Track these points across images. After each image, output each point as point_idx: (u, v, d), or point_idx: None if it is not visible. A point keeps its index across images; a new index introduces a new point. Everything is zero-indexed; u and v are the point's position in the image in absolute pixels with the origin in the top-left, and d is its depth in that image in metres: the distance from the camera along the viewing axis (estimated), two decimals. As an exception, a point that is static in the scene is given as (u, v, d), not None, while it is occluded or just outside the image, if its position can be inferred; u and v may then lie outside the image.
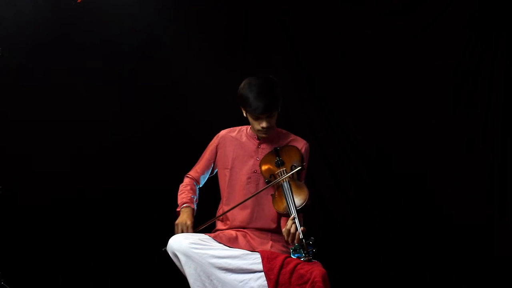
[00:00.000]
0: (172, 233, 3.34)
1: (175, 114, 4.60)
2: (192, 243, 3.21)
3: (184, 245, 3.20)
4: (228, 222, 3.50)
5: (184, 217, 3.42)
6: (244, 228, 3.46)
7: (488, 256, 4.38)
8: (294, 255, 3.19)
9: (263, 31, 4.70)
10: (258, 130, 3.43)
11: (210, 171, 3.64)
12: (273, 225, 3.45)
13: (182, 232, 3.35)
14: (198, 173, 3.63)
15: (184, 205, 3.49)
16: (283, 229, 3.23)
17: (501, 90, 4.41)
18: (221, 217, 3.52)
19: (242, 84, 3.43)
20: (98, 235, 4.45)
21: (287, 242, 3.23)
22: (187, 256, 3.19)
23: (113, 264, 4.46)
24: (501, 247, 4.36)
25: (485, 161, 4.44)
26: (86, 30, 4.40)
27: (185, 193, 3.56)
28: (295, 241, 3.16)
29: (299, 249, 3.13)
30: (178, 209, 3.50)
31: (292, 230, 3.17)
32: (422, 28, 4.52)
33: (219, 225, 3.56)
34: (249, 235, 3.41)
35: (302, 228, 3.17)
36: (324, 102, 4.70)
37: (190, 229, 3.36)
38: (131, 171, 4.51)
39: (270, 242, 3.39)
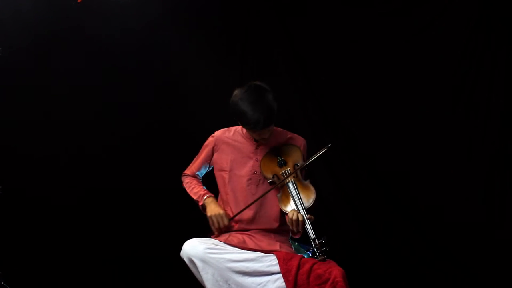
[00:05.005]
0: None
1: (175, 114, 4.60)
2: (208, 248, 3.21)
3: (200, 250, 3.19)
4: (232, 224, 3.49)
5: (213, 207, 3.42)
6: (247, 229, 3.45)
7: (488, 256, 4.38)
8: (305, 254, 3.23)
9: (263, 31, 4.69)
10: (259, 140, 3.44)
11: (206, 170, 3.65)
12: (276, 224, 3.46)
13: (219, 223, 3.36)
14: (193, 172, 3.63)
15: (205, 196, 3.49)
16: (287, 219, 3.27)
17: (501, 90, 4.40)
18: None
19: (234, 98, 3.35)
20: (98, 235, 4.45)
21: (292, 231, 3.27)
22: (204, 261, 3.19)
23: (113, 264, 4.46)
24: (501, 247, 4.35)
25: (485, 161, 4.44)
26: (86, 30, 4.40)
27: (196, 187, 3.56)
28: (300, 229, 3.21)
29: (312, 248, 3.17)
30: (200, 203, 3.49)
31: (294, 217, 3.21)
32: (422, 28, 4.52)
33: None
34: (255, 237, 3.40)
35: (308, 215, 3.23)
36: (325, 102, 4.70)
37: (225, 218, 3.39)
38: (131, 171, 4.51)
39: (278, 243, 3.39)
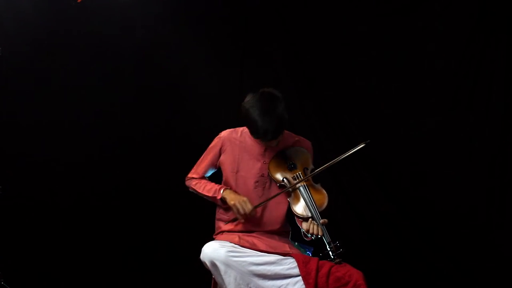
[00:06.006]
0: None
1: (175, 115, 4.60)
2: (229, 251, 3.19)
3: (222, 253, 3.17)
4: (239, 225, 3.45)
5: (233, 196, 3.35)
6: (252, 231, 3.43)
7: (488, 256, 4.39)
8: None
9: (263, 31, 4.70)
10: (266, 146, 3.41)
11: (213, 171, 3.56)
12: (278, 226, 3.45)
13: (244, 209, 3.28)
14: (200, 174, 3.52)
15: (222, 189, 3.41)
16: (304, 229, 3.27)
17: (501, 90, 4.41)
18: (229, 218, 3.48)
19: (246, 105, 3.28)
20: (98, 235, 4.45)
21: (305, 235, 3.29)
22: (227, 265, 3.17)
23: (113, 264, 4.46)
24: (501, 247, 4.36)
25: (485, 161, 4.45)
26: (86, 30, 4.39)
27: (208, 184, 3.47)
28: (319, 233, 3.23)
29: (327, 251, 3.19)
30: (218, 196, 3.40)
31: (315, 232, 3.23)
32: (422, 28, 4.52)
33: (226, 226, 3.46)
34: (263, 239, 3.38)
35: (322, 220, 3.23)
36: (324, 102, 4.71)
37: (248, 203, 3.30)
38: (131, 171, 4.51)
39: (286, 244, 3.39)
